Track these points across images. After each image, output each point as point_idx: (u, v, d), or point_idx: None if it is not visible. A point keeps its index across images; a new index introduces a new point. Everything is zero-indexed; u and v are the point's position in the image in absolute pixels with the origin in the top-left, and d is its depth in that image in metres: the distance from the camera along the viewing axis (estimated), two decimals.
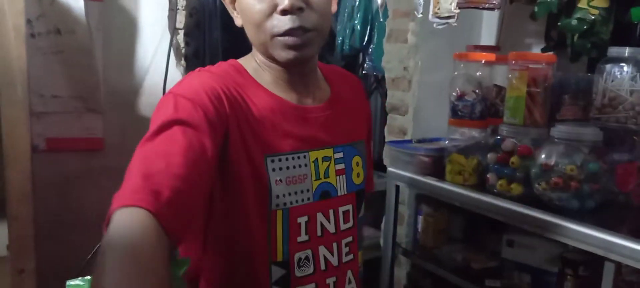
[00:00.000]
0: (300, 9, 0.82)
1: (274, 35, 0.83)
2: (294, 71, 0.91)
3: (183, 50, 1.36)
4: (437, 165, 1.55)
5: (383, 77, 2.01)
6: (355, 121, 1.01)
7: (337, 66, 1.12)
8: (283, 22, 0.82)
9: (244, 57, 0.93)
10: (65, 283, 0.77)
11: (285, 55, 0.85)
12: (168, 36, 1.33)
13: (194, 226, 0.82)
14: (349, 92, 1.02)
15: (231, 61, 0.92)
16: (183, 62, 1.37)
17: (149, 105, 1.33)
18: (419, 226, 1.75)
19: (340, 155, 0.95)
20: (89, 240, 1.24)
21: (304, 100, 0.93)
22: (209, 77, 0.85)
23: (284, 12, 0.81)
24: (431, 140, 1.72)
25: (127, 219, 0.62)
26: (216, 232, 0.88)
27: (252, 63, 0.91)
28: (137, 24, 1.29)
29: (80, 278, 0.71)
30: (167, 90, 1.19)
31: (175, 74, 1.36)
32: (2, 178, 0.94)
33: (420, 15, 1.18)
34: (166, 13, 1.31)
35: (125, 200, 0.64)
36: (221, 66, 0.91)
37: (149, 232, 0.62)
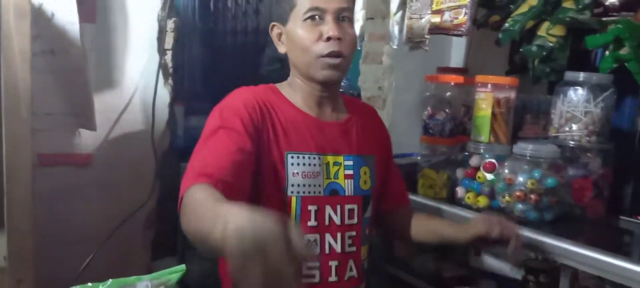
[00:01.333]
0: (339, 39, 1.09)
1: (319, 56, 1.09)
2: (325, 89, 1.16)
3: (170, 70, 1.43)
4: (410, 179, 1.64)
5: (358, 96, 2.11)
6: (366, 140, 1.23)
7: (358, 99, 1.41)
8: (327, 47, 1.09)
9: (280, 83, 1.20)
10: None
11: (324, 73, 1.11)
12: (157, 56, 1.39)
13: (242, 192, 1.02)
14: (364, 118, 1.26)
15: (270, 85, 1.19)
16: (170, 81, 1.43)
17: (139, 121, 1.38)
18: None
19: (350, 163, 1.17)
20: (78, 252, 1.29)
21: (324, 116, 1.18)
22: (248, 92, 1.12)
23: (328, 39, 1.08)
24: (404, 156, 1.81)
25: (196, 186, 0.88)
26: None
27: (286, 87, 1.19)
28: (127, 44, 1.35)
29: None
30: (156, 107, 1.34)
31: (163, 91, 1.42)
32: (1, 192, 0.98)
33: (396, 47, 1.31)
34: (155, 34, 1.38)
35: (190, 181, 0.90)
36: (260, 87, 1.16)
37: (213, 188, 0.88)
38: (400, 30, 1.47)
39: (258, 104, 1.09)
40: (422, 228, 1.28)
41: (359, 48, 1.92)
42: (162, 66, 1.40)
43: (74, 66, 1.15)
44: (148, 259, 1.44)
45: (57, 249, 1.15)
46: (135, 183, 1.40)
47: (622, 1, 1.11)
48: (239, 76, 2.33)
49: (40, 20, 1.11)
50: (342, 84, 2.33)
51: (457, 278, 1.61)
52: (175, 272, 0.81)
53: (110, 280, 0.79)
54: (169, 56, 1.42)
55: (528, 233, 1.24)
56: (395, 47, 1.52)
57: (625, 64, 1.44)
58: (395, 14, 1.38)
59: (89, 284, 0.76)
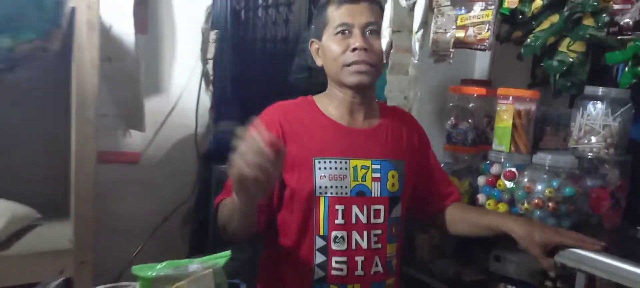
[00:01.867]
0: (365, 50, 1.23)
1: (345, 65, 1.24)
2: (357, 96, 1.28)
3: (211, 78, 1.55)
4: None
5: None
6: (396, 145, 1.34)
7: (398, 107, 1.54)
8: (353, 56, 1.24)
9: (318, 94, 1.35)
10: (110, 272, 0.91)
11: (353, 78, 1.25)
12: (200, 65, 1.51)
13: (262, 207, 1.21)
14: (397, 123, 1.38)
15: (307, 97, 1.35)
16: (211, 87, 1.55)
17: (182, 125, 1.50)
18: (416, 242, 1.91)
19: (378, 166, 1.28)
20: (124, 243, 1.41)
21: (355, 123, 1.31)
22: (274, 111, 1.28)
23: (354, 49, 1.23)
24: None
25: (224, 201, 1.20)
26: (286, 211, 1.25)
27: (322, 97, 1.34)
28: (174, 54, 1.47)
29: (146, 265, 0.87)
30: (198, 112, 1.45)
31: (205, 97, 1.54)
32: (66, 184, 1.10)
33: (416, 61, 1.41)
34: (199, 45, 1.50)
35: (221, 196, 1.23)
36: (295, 100, 1.33)
37: None
38: (421, 47, 1.56)
39: (282, 121, 1.24)
40: (466, 226, 1.40)
41: (385, 61, 2.01)
42: (204, 74, 1.51)
43: (128, 73, 1.27)
44: (185, 253, 1.56)
45: (107, 239, 1.25)
46: (177, 182, 1.52)
47: (635, 22, 1.17)
48: (268, 84, 2.44)
49: (100, 31, 1.23)
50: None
51: (476, 282, 1.67)
52: (222, 257, 0.91)
53: (166, 261, 0.89)
54: (210, 65, 1.53)
55: None
56: (416, 61, 1.61)
57: None
58: (416, 32, 1.48)
59: (149, 264, 0.87)
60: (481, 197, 1.55)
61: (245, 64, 2.32)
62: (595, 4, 1.50)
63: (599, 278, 1.39)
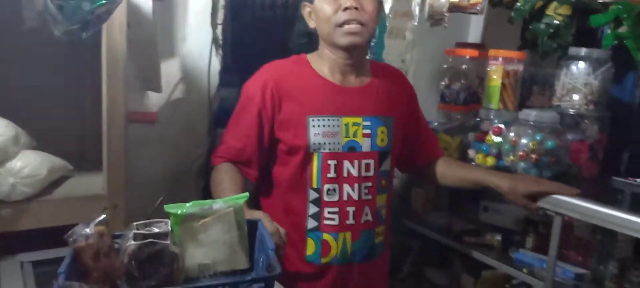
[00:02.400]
0: (356, 8, 1.24)
1: (337, 25, 1.26)
2: (349, 57, 1.31)
3: (220, 42, 1.66)
4: None
5: None
6: (386, 102, 1.39)
7: (388, 64, 1.57)
8: (344, 16, 1.25)
9: (311, 53, 1.38)
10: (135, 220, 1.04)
11: (345, 39, 1.27)
12: (210, 29, 1.61)
13: (253, 163, 1.34)
14: (387, 81, 1.42)
15: (301, 55, 1.39)
16: (220, 51, 1.66)
17: (195, 86, 1.61)
18: (411, 196, 2.05)
19: (368, 123, 1.34)
20: (146, 195, 1.54)
21: (347, 82, 1.35)
22: (268, 72, 1.33)
23: (345, 9, 1.24)
24: None
25: (219, 166, 1.32)
26: (280, 165, 1.34)
27: (315, 57, 1.37)
28: (187, 19, 1.57)
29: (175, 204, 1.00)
30: (210, 74, 1.56)
31: (215, 61, 1.64)
32: (95, 141, 1.23)
33: (416, 24, 1.48)
34: (209, 10, 1.60)
35: (217, 159, 1.34)
36: (288, 60, 1.38)
37: (231, 166, 1.31)
38: (421, 10, 1.65)
39: (276, 84, 1.29)
40: (454, 179, 1.50)
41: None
42: (214, 38, 1.62)
43: (146, 38, 1.37)
44: None
45: (130, 191, 1.36)
46: (191, 140, 1.64)
47: None
48: (271, 49, 2.53)
49: None
50: (367, 57, 2.56)
51: (466, 230, 1.82)
52: (241, 197, 1.04)
53: (192, 202, 1.03)
54: (219, 29, 1.63)
55: None
56: (416, 24, 1.70)
57: (624, 41, 1.62)
58: None
59: (178, 204, 1.00)
60: (471, 152, 1.68)
61: (246, 30, 2.39)
62: None
63: (577, 222, 1.54)
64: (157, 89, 1.49)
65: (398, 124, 1.42)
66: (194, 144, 1.66)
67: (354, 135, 1.32)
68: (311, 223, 1.33)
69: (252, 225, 1.07)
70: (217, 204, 1.02)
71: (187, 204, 1.01)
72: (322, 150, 1.30)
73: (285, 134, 1.31)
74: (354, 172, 1.33)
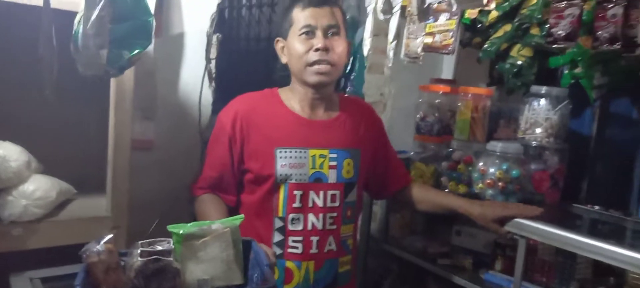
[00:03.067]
0: (326, 50, 1.33)
1: (308, 64, 1.34)
2: (317, 92, 1.38)
3: (213, 75, 1.78)
4: None
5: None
6: (354, 135, 1.46)
7: (358, 98, 1.64)
8: (314, 56, 1.34)
9: (283, 87, 1.45)
10: (134, 240, 1.13)
11: (314, 78, 1.35)
12: (203, 63, 1.74)
13: (230, 189, 1.42)
14: (355, 115, 1.49)
15: (273, 89, 1.46)
16: (213, 84, 1.78)
17: (189, 115, 1.73)
18: (390, 222, 2.17)
19: (335, 155, 1.40)
20: (142, 216, 1.62)
21: (316, 116, 1.41)
22: (238, 104, 1.41)
23: (317, 50, 1.33)
24: (400, 152, 2.14)
25: (201, 198, 1.42)
26: (247, 194, 1.41)
27: (286, 91, 1.43)
28: (183, 53, 1.69)
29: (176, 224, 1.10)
30: (202, 104, 1.67)
31: (207, 92, 1.77)
32: (98, 165, 1.32)
33: (390, 65, 1.56)
34: (204, 46, 1.73)
35: (196, 191, 1.44)
36: (260, 93, 1.45)
37: (212, 196, 1.41)
38: (396, 54, 1.79)
39: (245, 115, 1.37)
40: (429, 205, 1.60)
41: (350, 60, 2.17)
42: (208, 72, 1.75)
43: (146, 70, 1.49)
44: None
45: (129, 214, 1.44)
46: (186, 164, 1.74)
47: (566, 33, 1.44)
48: (256, 80, 2.64)
49: None
50: (348, 90, 2.71)
51: (440, 253, 1.94)
52: (237, 219, 1.15)
53: (192, 222, 1.13)
54: (212, 64, 1.76)
55: None
56: (390, 65, 1.82)
57: (579, 80, 1.80)
58: (391, 43, 1.67)
59: (180, 224, 1.10)
60: (444, 180, 1.82)
61: (236, 63, 2.50)
62: (540, 16, 1.79)
63: (541, 245, 1.68)
64: (153, 117, 1.59)
65: (365, 156, 1.47)
66: (189, 170, 1.75)
67: (320, 166, 1.38)
68: (276, 251, 1.37)
69: (246, 244, 1.17)
70: (216, 224, 1.13)
71: (188, 224, 1.11)
72: (289, 181, 1.35)
73: (253, 164, 1.37)
74: (319, 203, 1.38)
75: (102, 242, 1.03)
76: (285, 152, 1.36)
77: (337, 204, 1.41)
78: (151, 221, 1.60)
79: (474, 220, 1.52)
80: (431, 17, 1.84)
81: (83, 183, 1.44)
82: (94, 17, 0.95)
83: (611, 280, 1.62)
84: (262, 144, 1.36)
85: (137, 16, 1.08)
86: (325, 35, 1.35)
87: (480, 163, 1.68)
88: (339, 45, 1.36)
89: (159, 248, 1.06)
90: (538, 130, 1.78)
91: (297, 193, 1.36)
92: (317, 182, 1.38)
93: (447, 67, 2.36)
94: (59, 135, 1.45)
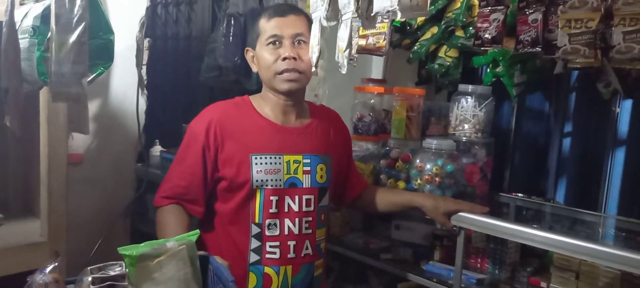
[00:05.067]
0: (294, 59, 1.35)
1: (278, 73, 1.36)
2: (288, 99, 1.40)
3: (145, 82, 1.69)
4: None
5: None
6: (324, 141, 1.48)
7: (325, 106, 1.64)
8: (283, 65, 1.35)
9: (254, 94, 1.46)
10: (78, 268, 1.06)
11: (284, 86, 1.37)
12: (135, 70, 1.64)
13: (199, 200, 1.39)
14: (325, 122, 1.52)
15: (244, 97, 1.46)
16: (145, 91, 1.69)
17: (121, 126, 1.62)
18: (330, 220, 2.20)
19: (308, 160, 1.42)
20: (75, 236, 1.50)
21: (288, 122, 1.43)
22: (212, 113, 1.39)
23: (285, 59, 1.35)
24: None
25: (165, 208, 1.36)
26: (221, 202, 1.39)
27: (258, 98, 1.45)
28: (113, 62, 1.60)
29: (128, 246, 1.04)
30: (139, 113, 1.59)
31: (142, 101, 1.67)
32: (36, 184, 1.20)
33: (317, 70, 1.50)
34: (134, 52, 1.63)
35: (161, 201, 1.38)
36: (232, 101, 1.45)
37: (176, 207, 1.36)
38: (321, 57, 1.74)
39: (219, 123, 1.36)
40: (387, 205, 1.63)
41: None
42: (139, 78, 1.65)
43: None
44: (128, 242, 1.67)
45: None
46: (119, 179, 1.64)
47: (492, 36, 1.55)
48: (183, 84, 2.54)
49: None
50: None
51: (381, 248, 2.00)
52: (192, 235, 1.10)
53: (144, 242, 1.06)
54: (144, 70, 1.67)
55: None
56: (344, 72, 1.74)
57: (501, 78, 1.94)
58: (344, 51, 1.59)
59: (131, 245, 1.04)
60: (383, 177, 1.88)
61: (166, 69, 2.37)
62: (464, 19, 1.91)
63: (474, 233, 1.80)
64: (84, 130, 1.48)
65: (335, 162, 1.51)
66: (121, 184, 1.65)
67: (295, 172, 1.40)
68: (253, 257, 1.38)
69: (203, 260, 1.13)
70: (170, 242, 1.07)
71: (141, 245, 1.05)
72: (264, 187, 1.36)
73: (228, 172, 1.36)
74: (295, 207, 1.40)
75: (46, 271, 0.95)
76: (261, 158, 1.36)
77: (311, 209, 1.42)
78: (87, 242, 1.49)
79: (425, 212, 1.57)
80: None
81: (6, 206, 1.30)
82: (72, 41, 0.86)
83: (536, 261, 1.76)
84: (237, 151, 1.35)
85: (98, 35, 1.00)
86: (293, 43, 1.37)
87: (417, 160, 1.76)
88: (306, 53, 1.38)
89: (111, 273, 0.99)
90: (467, 126, 1.89)
91: (273, 198, 1.37)
92: (292, 187, 1.39)
93: (376, 67, 2.43)
94: None
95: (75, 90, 0.93)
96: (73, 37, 0.89)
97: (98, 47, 0.99)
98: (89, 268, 1.00)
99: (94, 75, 0.98)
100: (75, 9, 0.91)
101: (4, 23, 0.91)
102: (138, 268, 1.04)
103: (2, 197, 1.34)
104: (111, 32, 1.05)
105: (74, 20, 0.91)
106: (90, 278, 0.96)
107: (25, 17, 1.10)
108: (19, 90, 0.94)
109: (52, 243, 1.16)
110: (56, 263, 0.97)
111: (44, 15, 1.00)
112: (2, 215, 1.25)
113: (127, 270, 1.01)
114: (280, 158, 1.38)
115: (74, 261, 1.07)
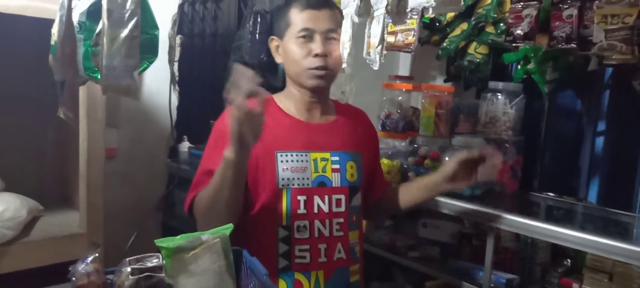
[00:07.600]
0: (325, 55, 1.30)
1: (308, 69, 1.30)
2: (314, 95, 1.35)
3: (177, 78, 1.72)
4: None
5: None
6: (353, 138, 1.42)
7: (351, 105, 1.59)
8: (314, 61, 1.30)
9: (277, 93, 1.40)
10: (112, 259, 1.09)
11: (312, 82, 1.32)
12: (168, 67, 1.67)
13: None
14: (353, 119, 1.46)
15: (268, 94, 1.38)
16: (177, 87, 1.72)
17: (154, 121, 1.65)
18: None
19: (337, 158, 1.36)
20: (114, 231, 1.53)
21: (313, 119, 1.38)
22: None
23: (316, 55, 1.29)
24: None
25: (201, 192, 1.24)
26: (246, 203, 1.30)
27: (280, 96, 1.39)
28: None
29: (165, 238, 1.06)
30: (172, 109, 1.61)
31: (173, 97, 1.70)
32: (73, 177, 1.23)
33: (346, 65, 1.46)
34: (167, 48, 1.66)
35: (194, 192, 1.27)
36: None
37: None
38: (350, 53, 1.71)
39: None
40: (409, 196, 1.50)
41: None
42: (172, 75, 1.68)
43: None
44: (159, 235, 1.71)
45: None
46: (151, 173, 1.67)
47: (525, 33, 1.52)
48: (210, 81, 2.57)
49: None
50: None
51: (408, 246, 1.99)
52: (227, 228, 1.12)
53: (180, 235, 1.08)
54: (175, 67, 1.70)
55: (464, 204, 1.65)
56: (376, 67, 1.73)
57: (532, 75, 1.91)
58: (376, 47, 1.53)
59: (168, 237, 1.06)
60: (411, 175, 1.87)
61: (197, 65, 2.39)
62: (495, 15, 1.88)
63: (503, 232, 1.77)
64: (118, 125, 1.51)
65: (365, 160, 1.44)
66: (153, 179, 1.69)
67: (323, 170, 1.33)
68: (282, 263, 1.30)
69: (236, 254, 1.14)
70: (205, 235, 1.09)
71: (177, 237, 1.07)
72: (291, 186, 1.29)
73: (252, 170, 1.29)
74: (325, 208, 1.32)
75: (88, 261, 0.97)
76: (286, 155, 1.30)
77: (342, 209, 1.34)
78: (121, 234, 1.53)
79: (447, 176, 1.41)
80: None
81: (43, 198, 1.34)
82: (123, 36, 0.89)
83: (567, 262, 1.73)
84: (261, 149, 1.26)
85: (145, 30, 1.02)
86: (324, 39, 1.31)
87: (446, 158, 1.74)
88: (336, 49, 1.33)
89: (149, 264, 1.01)
90: (497, 124, 1.87)
91: (301, 198, 1.29)
92: (321, 186, 1.32)
93: (403, 63, 2.42)
94: (14, 147, 1.34)
95: (126, 83, 0.95)
96: (125, 32, 0.91)
97: (145, 41, 1.02)
98: (127, 259, 1.02)
99: (141, 69, 1.00)
100: (128, 5, 0.93)
101: (59, 18, 0.93)
102: (174, 260, 1.05)
103: (40, 189, 1.38)
104: (156, 27, 1.07)
105: (126, 15, 0.93)
106: (129, 269, 0.98)
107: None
108: (75, 83, 0.97)
109: (90, 234, 1.20)
110: (97, 254, 1.00)
111: (90, 11, 1.02)
112: (42, 207, 1.28)
113: (164, 261, 1.03)
114: (306, 155, 1.32)
115: (109, 252, 1.09)
